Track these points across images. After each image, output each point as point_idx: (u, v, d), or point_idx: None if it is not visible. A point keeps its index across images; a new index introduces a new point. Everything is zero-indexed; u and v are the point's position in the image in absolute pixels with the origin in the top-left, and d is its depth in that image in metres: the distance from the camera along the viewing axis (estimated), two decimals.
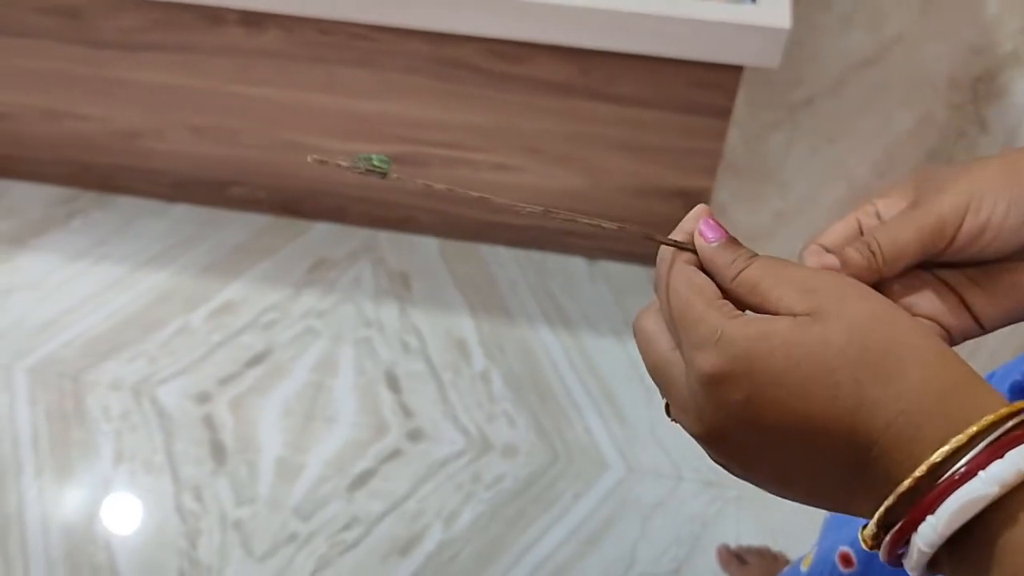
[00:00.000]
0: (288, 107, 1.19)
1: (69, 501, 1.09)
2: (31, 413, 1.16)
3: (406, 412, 1.17)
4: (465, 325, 1.26)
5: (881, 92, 1.59)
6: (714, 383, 0.31)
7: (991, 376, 0.50)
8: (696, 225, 0.35)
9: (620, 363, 1.22)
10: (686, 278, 0.34)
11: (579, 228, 1.29)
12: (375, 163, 0.33)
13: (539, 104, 1.12)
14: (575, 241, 1.30)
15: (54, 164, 1.36)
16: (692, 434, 0.33)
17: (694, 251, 0.35)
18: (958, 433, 0.28)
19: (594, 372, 1.21)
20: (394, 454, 1.14)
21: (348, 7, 1.02)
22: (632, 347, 1.20)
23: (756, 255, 0.34)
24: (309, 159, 0.34)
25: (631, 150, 1.16)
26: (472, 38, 1.05)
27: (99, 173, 1.36)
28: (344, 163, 0.33)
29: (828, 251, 0.37)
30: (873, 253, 0.36)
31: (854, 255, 0.36)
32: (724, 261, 0.34)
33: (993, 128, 1.55)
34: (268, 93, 1.18)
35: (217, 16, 1.09)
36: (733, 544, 1.06)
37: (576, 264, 1.30)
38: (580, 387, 1.20)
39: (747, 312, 0.33)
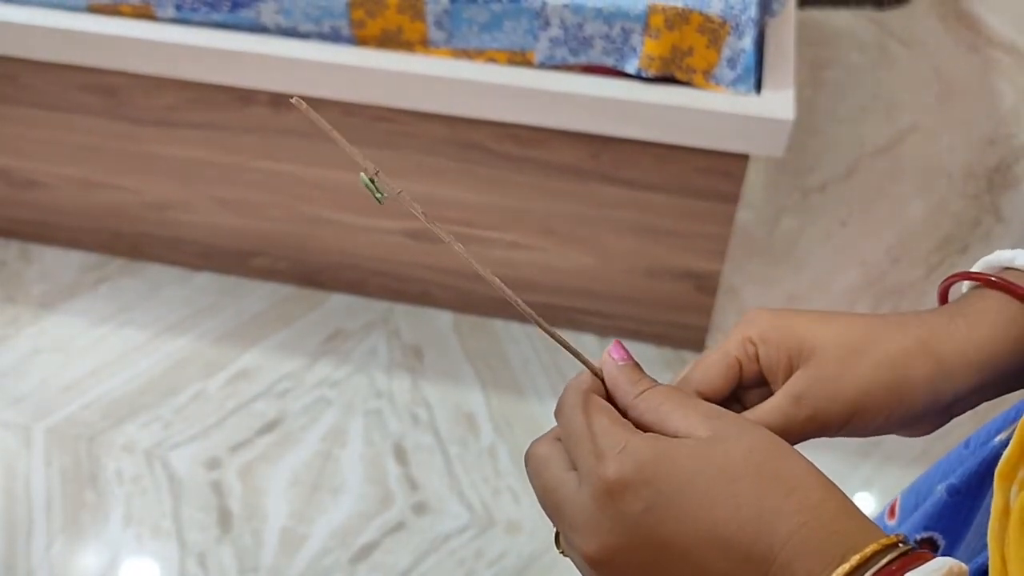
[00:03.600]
0: (311, 183, 1.23)
1: (77, 564, 1.10)
2: (46, 474, 1.19)
3: (412, 485, 1.18)
4: (475, 399, 1.27)
5: (895, 180, 1.61)
6: (615, 492, 0.31)
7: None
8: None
9: None
10: (591, 398, 0.35)
11: (591, 306, 1.31)
12: (375, 189, 0.35)
13: (552, 186, 1.15)
14: (586, 319, 1.32)
15: (87, 232, 1.42)
16: (583, 556, 0.32)
17: (598, 375, 0.37)
18: (856, 552, 0.29)
19: None
20: (398, 527, 1.14)
21: (371, 91, 1.07)
22: None
23: (657, 382, 0.36)
24: (292, 100, 0.36)
25: (641, 232, 1.18)
26: (489, 122, 1.10)
27: (129, 241, 1.41)
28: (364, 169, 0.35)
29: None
30: None
31: None
32: (629, 379, 0.36)
33: (1008, 217, 1.56)
34: (292, 169, 1.22)
35: (248, 97, 1.15)
36: None
37: (587, 341, 1.32)
38: None
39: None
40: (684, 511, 0.30)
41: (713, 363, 0.39)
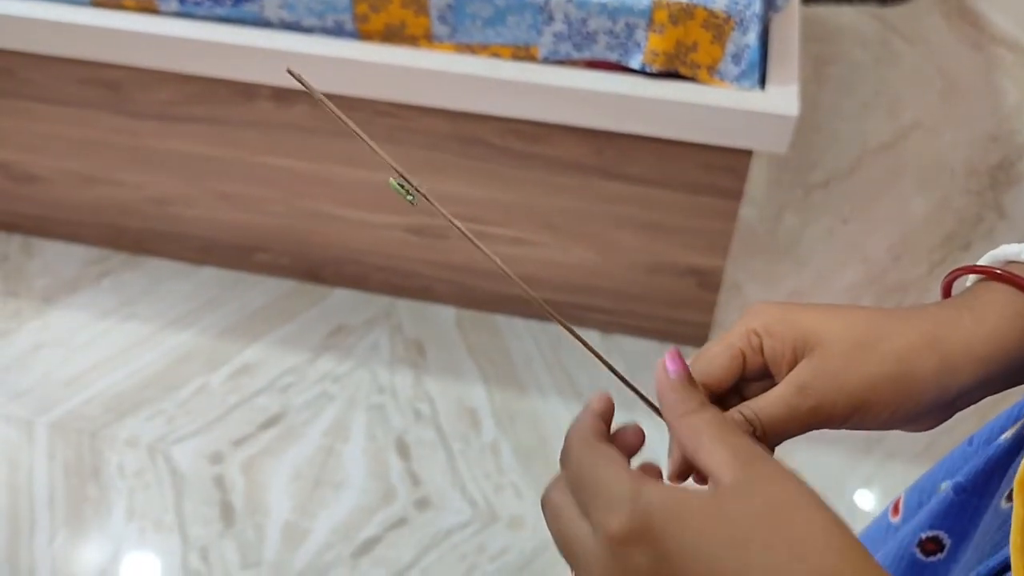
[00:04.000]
0: (313, 178, 1.23)
1: (80, 558, 1.11)
2: (49, 468, 1.19)
3: (414, 480, 1.18)
4: (477, 395, 1.27)
5: (898, 177, 1.61)
6: (624, 544, 0.31)
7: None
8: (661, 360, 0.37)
9: None
10: (597, 447, 0.34)
11: (594, 302, 1.31)
12: (405, 191, 0.35)
13: (555, 181, 1.15)
14: (589, 315, 1.32)
15: (89, 226, 1.41)
16: None
17: (650, 402, 0.37)
18: None
19: None
20: (400, 522, 1.14)
21: (374, 86, 1.07)
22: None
23: (707, 403, 0.35)
24: (287, 69, 0.35)
25: (644, 228, 1.18)
26: (492, 117, 1.10)
27: (131, 236, 1.41)
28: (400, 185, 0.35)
29: (711, 392, 0.38)
30: (757, 438, 0.37)
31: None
32: (679, 396, 0.35)
33: (1011, 214, 1.55)
34: (294, 164, 1.22)
35: (250, 92, 1.15)
36: None
37: (590, 337, 1.31)
38: None
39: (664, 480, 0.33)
40: (690, 571, 0.30)
41: (716, 354, 0.39)
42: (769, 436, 0.37)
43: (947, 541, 0.46)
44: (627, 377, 0.39)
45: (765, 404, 0.37)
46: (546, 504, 0.35)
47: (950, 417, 0.40)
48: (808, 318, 0.38)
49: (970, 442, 0.49)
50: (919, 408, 0.37)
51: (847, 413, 0.37)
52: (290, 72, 0.34)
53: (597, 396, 0.37)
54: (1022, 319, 0.38)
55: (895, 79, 1.79)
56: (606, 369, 0.39)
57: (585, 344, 0.38)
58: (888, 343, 0.37)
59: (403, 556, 1.11)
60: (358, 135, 0.35)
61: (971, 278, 0.41)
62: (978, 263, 0.40)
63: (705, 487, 0.32)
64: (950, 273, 0.42)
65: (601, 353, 0.39)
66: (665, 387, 0.35)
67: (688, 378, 0.36)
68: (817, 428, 0.38)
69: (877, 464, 1.20)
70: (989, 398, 0.40)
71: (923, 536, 0.47)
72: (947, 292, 0.42)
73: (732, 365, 0.38)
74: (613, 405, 0.37)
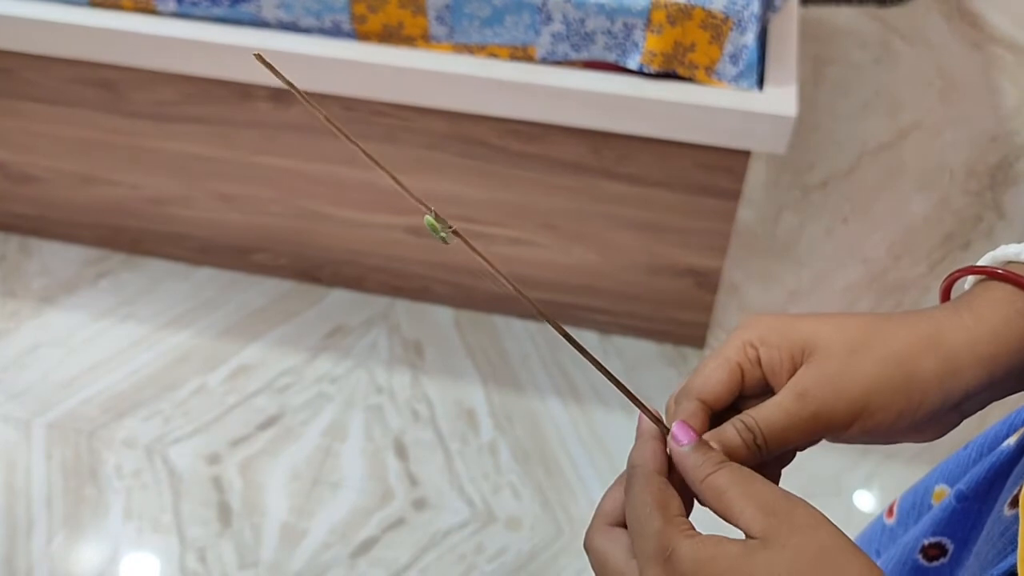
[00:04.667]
0: (311, 178, 1.23)
1: (77, 558, 1.10)
2: (47, 468, 1.19)
3: (412, 480, 1.18)
4: (475, 395, 1.27)
5: (897, 177, 1.61)
6: None
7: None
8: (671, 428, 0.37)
9: (628, 439, 1.21)
10: (655, 489, 0.35)
11: (592, 303, 1.30)
12: (440, 233, 0.35)
13: (553, 182, 1.15)
14: (587, 315, 1.32)
15: (86, 227, 1.41)
16: None
17: (656, 418, 0.38)
18: None
19: (602, 447, 1.21)
20: (398, 522, 1.14)
21: (372, 86, 1.07)
22: None
23: (725, 461, 0.35)
24: (254, 55, 0.35)
25: (642, 228, 1.18)
26: (490, 118, 1.09)
27: (129, 236, 1.41)
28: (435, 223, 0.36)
29: (710, 408, 0.38)
30: (758, 447, 0.37)
31: (738, 443, 0.37)
32: (695, 463, 0.36)
33: (1010, 214, 1.55)
34: (293, 164, 1.22)
35: (248, 92, 1.14)
36: None
37: (588, 338, 1.32)
38: (587, 461, 1.20)
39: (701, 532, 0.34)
40: None
41: (714, 370, 0.38)
42: (770, 445, 0.37)
43: (950, 547, 0.46)
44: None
45: (764, 412, 0.37)
46: (591, 552, 0.36)
47: (958, 423, 0.39)
48: (804, 325, 0.38)
49: (967, 447, 0.49)
50: (924, 412, 0.37)
51: (848, 419, 0.36)
52: (258, 57, 0.33)
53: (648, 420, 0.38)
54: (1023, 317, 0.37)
55: (894, 79, 1.79)
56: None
57: (608, 373, 0.38)
58: (886, 346, 0.37)
59: (401, 556, 1.11)
60: (351, 143, 0.35)
61: (970, 280, 0.41)
62: (977, 264, 0.40)
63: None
64: (949, 275, 0.42)
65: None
66: (681, 457, 0.36)
67: (701, 442, 0.36)
68: (821, 437, 0.37)
69: (876, 464, 1.20)
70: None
71: (926, 542, 0.47)
72: (946, 295, 0.42)
73: (730, 379, 0.38)
74: (662, 420, 0.38)
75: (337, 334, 1.34)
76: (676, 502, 0.35)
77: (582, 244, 1.22)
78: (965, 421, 0.39)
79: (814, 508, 0.33)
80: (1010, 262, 0.39)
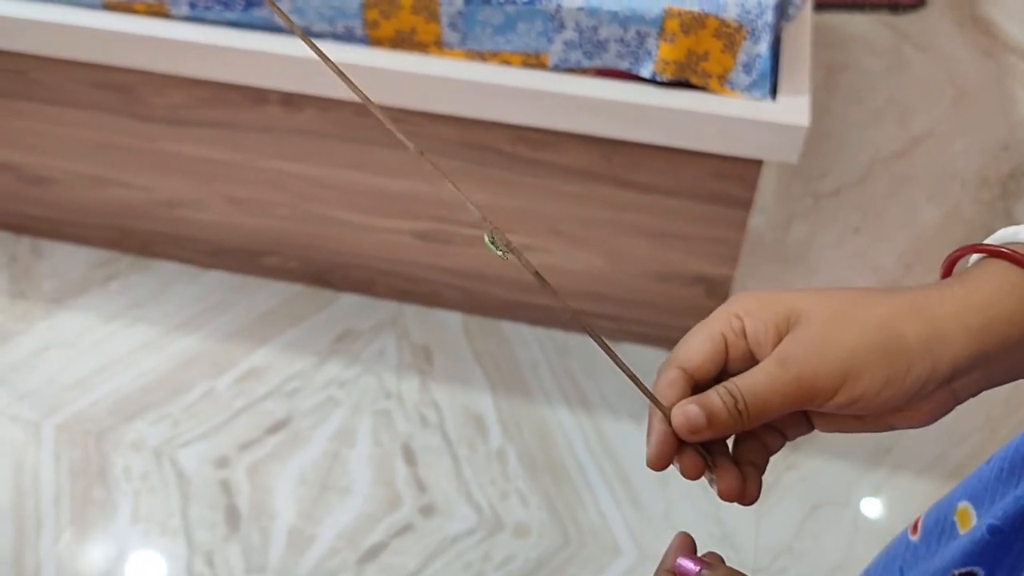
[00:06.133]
0: (322, 183, 1.23)
1: (85, 560, 1.11)
2: (55, 470, 1.19)
3: (420, 486, 1.18)
4: (484, 401, 1.27)
5: (908, 186, 1.60)
6: None
7: None
8: (674, 559, 0.38)
9: (637, 446, 1.21)
10: None
11: (601, 309, 1.30)
12: (498, 249, 0.36)
13: (563, 189, 1.15)
14: (596, 322, 1.32)
15: (97, 228, 1.42)
16: None
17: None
18: None
19: (610, 454, 1.21)
20: (406, 528, 1.14)
21: (384, 92, 1.07)
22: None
23: (731, 571, 0.37)
24: (334, 69, 0.36)
25: (652, 236, 1.18)
26: (501, 125, 1.09)
27: (139, 238, 1.41)
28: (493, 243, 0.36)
29: (691, 377, 0.38)
30: (740, 412, 0.37)
31: (719, 407, 0.37)
32: None
33: (1022, 223, 1.54)
34: (304, 169, 1.22)
35: (261, 96, 1.15)
36: None
37: (597, 345, 1.31)
38: (595, 469, 1.20)
39: None
40: None
41: (699, 341, 0.39)
42: (752, 411, 0.36)
43: (981, 574, 0.46)
44: (648, 388, 0.39)
45: (747, 378, 0.37)
46: None
47: (952, 407, 0.38)
48: (788, 297, 0.38)
49: (989, 462, 0.48)
50: (911, 381, 0.36)
51: (832, 384, 0.36)
52: (339, 73, 0.34)
53: (678, 542, 0.39)
54: (1016, 291, 0.37)
55: (906, 87, 1.78)
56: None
57: (642, 388, 0.39)
58: (871, 311, 0.36)
59: (408, 563, 1.11)
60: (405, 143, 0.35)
61: (972, 260, 0.40)
62: (978, 243, 0.40)
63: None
64: (951, 254, 0.41)
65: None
66: None
67: (707, 565, 0.37)
68: (805, 405, 0.37)
69: (886, 474, 1.20)
70: (1001, 410, 0.39)
71: (955, 573, 0.46)
72: (947, 275, 0.41)
73: (713, 349, 0.38)
74: (693, 542, 0.39)
75: (346, 339, 1.34)
76: None
77: (591, 251, 1.22)
78: (980, 427, 0.39)
79: None
80: (1010, 242, 0.39)
